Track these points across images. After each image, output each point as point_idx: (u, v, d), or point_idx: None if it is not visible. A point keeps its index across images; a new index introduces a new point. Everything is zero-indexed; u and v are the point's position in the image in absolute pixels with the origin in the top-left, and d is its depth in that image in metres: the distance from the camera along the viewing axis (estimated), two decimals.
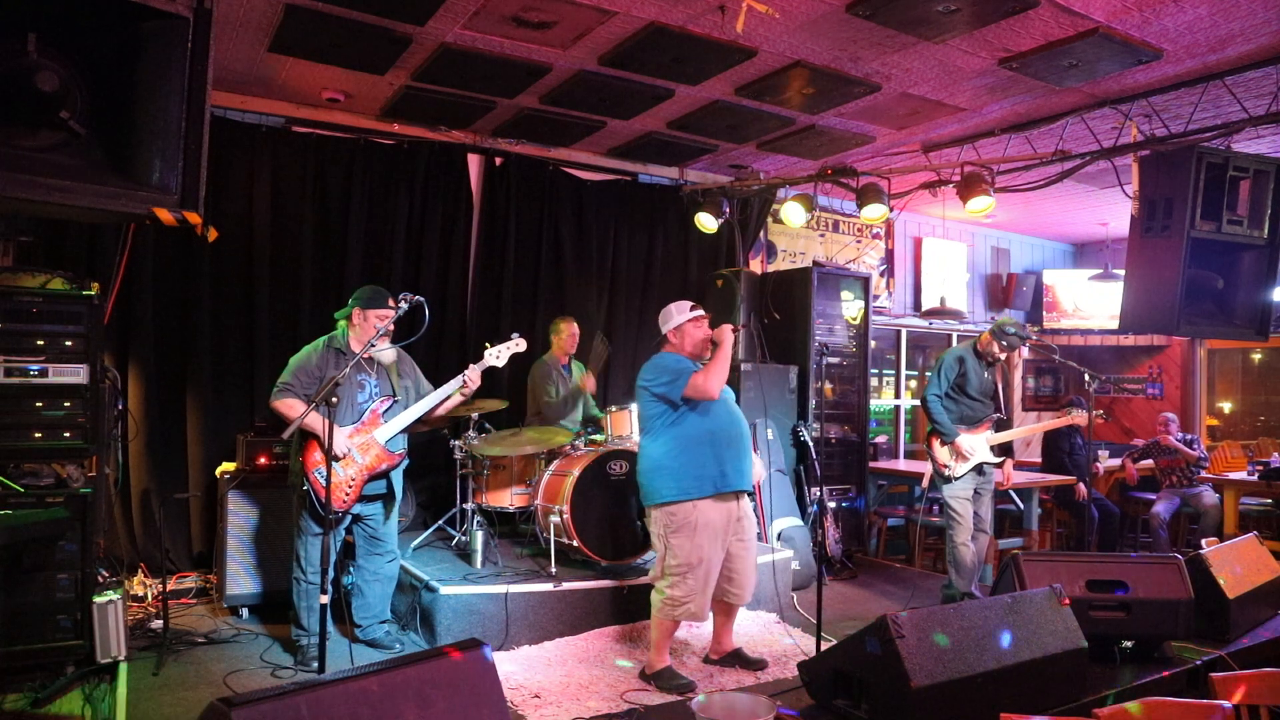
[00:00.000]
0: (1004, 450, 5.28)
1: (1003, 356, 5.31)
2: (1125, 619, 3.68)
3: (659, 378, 3.87)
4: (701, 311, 4.05)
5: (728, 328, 3.95)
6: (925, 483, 6.14)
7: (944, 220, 8.60)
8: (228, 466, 5.02)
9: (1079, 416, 5.35)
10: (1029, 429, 5.41)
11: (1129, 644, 3.69)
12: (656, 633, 3.89)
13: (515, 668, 4.01)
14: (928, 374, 6.43)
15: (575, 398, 5.84)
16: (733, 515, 3.90)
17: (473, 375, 4.23)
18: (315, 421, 3.84)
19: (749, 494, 4.03)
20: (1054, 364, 9.50)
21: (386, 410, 4.18)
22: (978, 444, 5.16)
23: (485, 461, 5.15)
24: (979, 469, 5.18)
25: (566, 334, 5.83)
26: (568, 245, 6.67)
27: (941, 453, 5.23)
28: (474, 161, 6.33)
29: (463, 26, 4.44)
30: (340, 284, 5.72)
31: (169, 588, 4.80)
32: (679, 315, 4.03)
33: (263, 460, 4.89)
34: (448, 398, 4.26)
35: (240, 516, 4.76)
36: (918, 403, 8.26)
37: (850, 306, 7.18)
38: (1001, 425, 5.30)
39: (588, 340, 6.08)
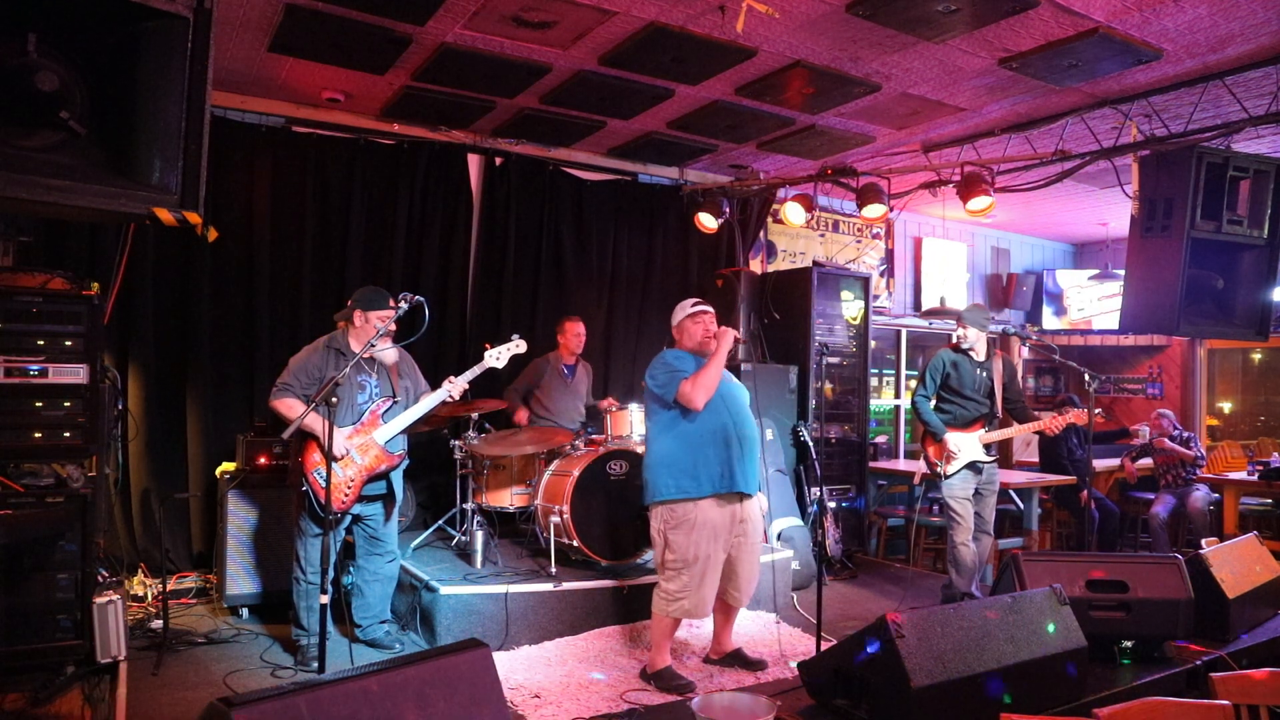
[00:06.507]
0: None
1: (978, 335, 5.14)
2: (1125, 619, 3.68)
3: (657, 376, 3.88)
4: (703, 307, 4.01)
5: (730, 333, 3.85)
6: (918, 479, 6.13)
7: (944, 220, 8.59)
8: (228, 466, 5.02)
9: (1078, 415, 5.22)
10: (1023, 428, 5.34)
11: (1129, 644, 3.69)
12: (656, 631, 3.90)
13: (515, 668, 4.01)
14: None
15: (574, 398, 5.83)
16: (735, 517, 3.85)
17: (455, 391, 4.24)
18: (314, 422, 3.84)
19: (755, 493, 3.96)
20: (1054, 364, 9.50)
21: (386, 411, 4.18)
22: (965, 443, 5.14)
23: (485, 461, 5.15)
24: (976, 469, 5.17)
25: (571, 333, 5.82)
26: (568, 245, 6.67)
27: (931, 450, 5.24)
28: (474, 161, 6.33)
29: (463, 26, 4.44)
30: (340, 284, 5.73)
31: (169, 588, 4.80)
32: (680, 312, 4.04)
33: (263, 460, 4.89)
34: (440, 403, 4.27)
35: (240, 516, 4.76)
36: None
37: (850, 306, 7.18)
38: (1003, 423, 5.28)
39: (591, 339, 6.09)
